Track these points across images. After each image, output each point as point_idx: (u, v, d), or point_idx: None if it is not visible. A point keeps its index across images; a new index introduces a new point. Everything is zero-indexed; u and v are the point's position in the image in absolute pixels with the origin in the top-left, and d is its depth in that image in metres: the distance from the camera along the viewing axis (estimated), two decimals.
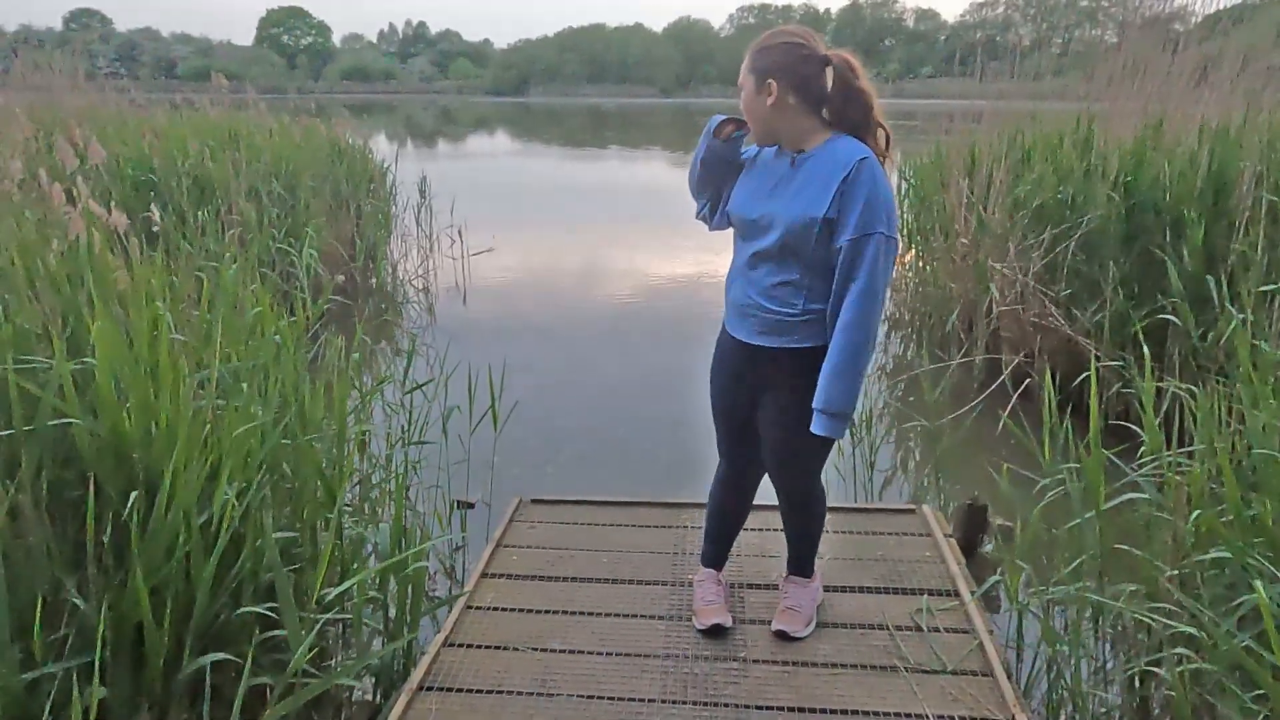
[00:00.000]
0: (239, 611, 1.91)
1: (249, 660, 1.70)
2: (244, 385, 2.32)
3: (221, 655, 1.80)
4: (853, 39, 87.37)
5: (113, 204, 3.20)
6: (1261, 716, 1.60)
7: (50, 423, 1.90)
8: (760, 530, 2.79)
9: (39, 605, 1.65)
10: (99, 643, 1.60)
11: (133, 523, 1.76)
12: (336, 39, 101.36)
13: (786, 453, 2.10)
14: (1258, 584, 1.49)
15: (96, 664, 1.58)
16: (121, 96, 7.58)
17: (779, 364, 1.99)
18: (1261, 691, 1.58)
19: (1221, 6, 5.23)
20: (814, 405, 1.90)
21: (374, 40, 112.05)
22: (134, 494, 1.82)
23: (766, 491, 2.35)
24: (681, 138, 28.06)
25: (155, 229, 3.95)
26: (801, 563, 2.34)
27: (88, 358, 2.09)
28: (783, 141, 1.97)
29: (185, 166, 5.68)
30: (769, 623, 2.28)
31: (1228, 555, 1.87)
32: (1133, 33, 5.49)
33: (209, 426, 2.09)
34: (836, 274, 1.87)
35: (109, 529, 1.83)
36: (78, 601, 1.73)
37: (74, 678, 1.57)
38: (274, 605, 1.89)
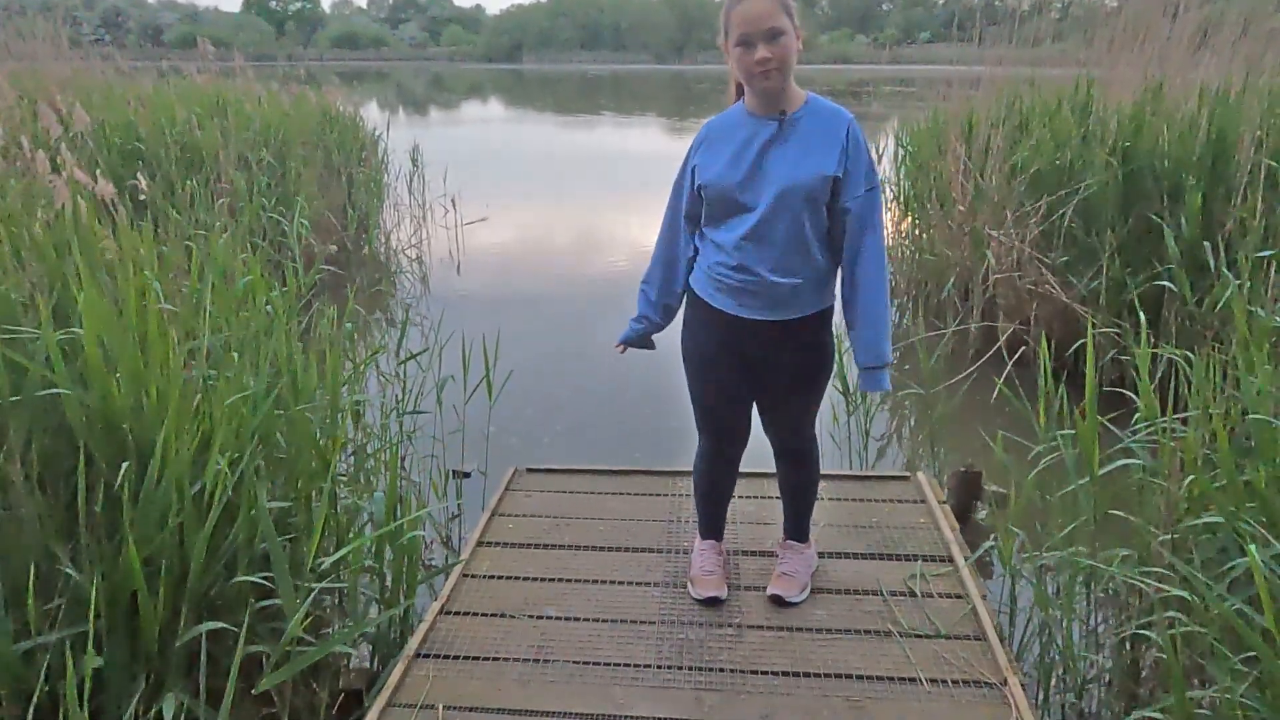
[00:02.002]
0: (233, 580, 1.91)
1: (244, 629, 1.70)
2: (235, 355, 2.31)
3: (217, 624, 1.80)
4: (849, 4, 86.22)
5: (99, 172, 3.16)
6: (1251, 678, 1.62)
7: (39, 393, 1.88)
8: (756, 498, 2.79)
9: (32, 575, 1.64)
10: (93, 612, 1.60)
11: (124, 493, 1.75)
12: (326, 5, 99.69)
13: (800, 416, 2.16)
14: (1251, 548, 1.50)
15: (91, 633, 1.58)
16: (106, 64, 7.45)
17: (788, 333, 1.98)
18: (1252, 653, 1.60)
19: None
20: (867, 363, 1.98)
21: (364, 6, 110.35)
22: (125, 464, 1.80)
23: (761, 458, 2.36)
24: (676, 104, 27.79)
25: (143, 198, 3.90)
26: (800, 527, 2.35)
27: (75, 327, 2.07)
28: (773, 99, 1.85)
29: (173, 135, 5.60)
30: (764, 589, 2.29)
31: (1220, 520, 1.87)
32: None
33: (200, 396, 2.08)
34: (849, 229, 1.91)
35: (101, 499, 1.82)
36: (71, 571, 1.73)
37: (68, 647, 1.57)
38: (269, 574, 1.89)
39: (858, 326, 1.98)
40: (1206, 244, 3.60)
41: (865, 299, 1.95)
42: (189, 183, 4.99)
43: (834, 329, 2.10)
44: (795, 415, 2.16)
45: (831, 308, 2.04)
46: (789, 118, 1.86)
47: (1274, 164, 3.77)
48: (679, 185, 2.03)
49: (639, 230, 9.07)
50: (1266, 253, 3.34)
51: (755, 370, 2.06)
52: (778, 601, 2.23)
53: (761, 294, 1.93)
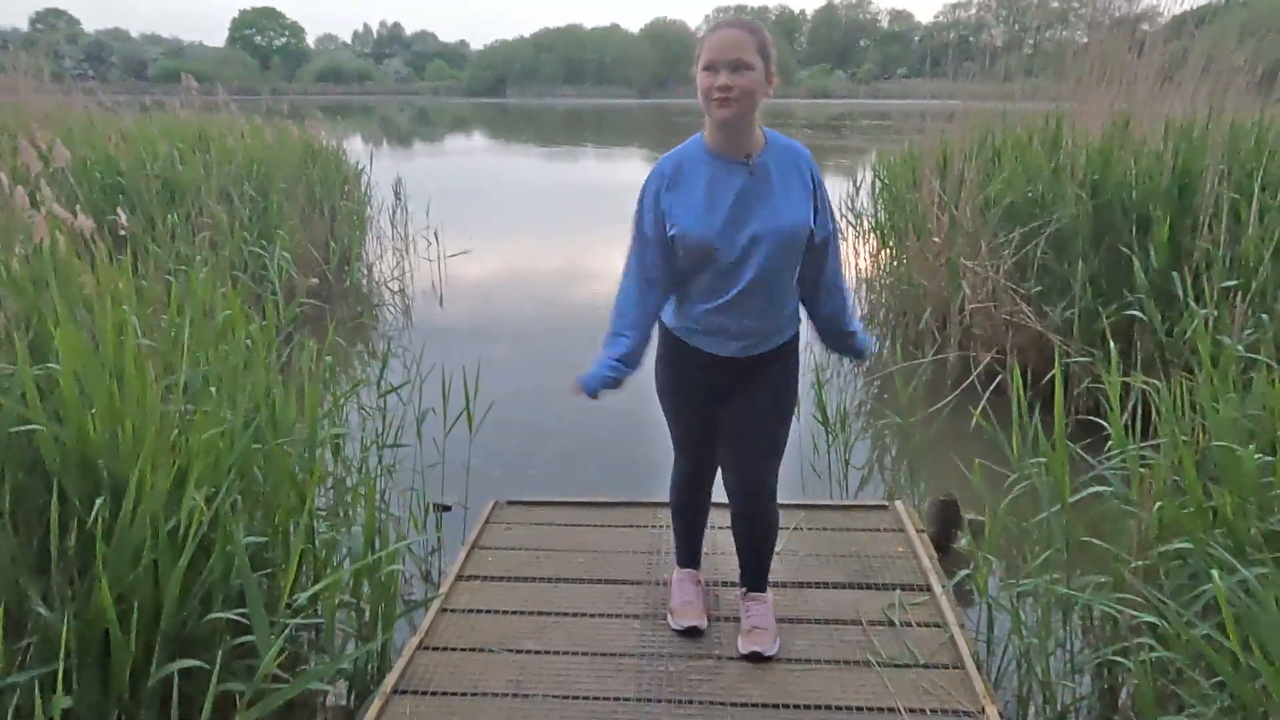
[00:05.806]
0: (208, 617, 1.89)
1: (218, 666, 1.68)
2: (213, 389, 2.30)
3: (191, 662, 1.78)
4: (828, 39, 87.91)
5: (78, 207, 3.16)
6: (1222, 703, 1.64)
7: (13, 429, 1.87)
8: None
9: (1, 613, 1.62)
10: (63, 651, 1.58)
11: (98, 529, 1.74)
12: (310, 40, 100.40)
13: (768, 446, 2.11)
14: (1214, 573, 1.52)
15: (60, 672, 1.56)
16: (89, 98, 7.47)
17: (763, 363, 2.02)
18: (1220, 679, 1.62)
19: (1188, 7, 5.32)
20: (864, 336, 2.13)
21: (348, 41, 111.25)
22: (99, 500, 1.79)
23: None
24: (658, 137, 28.08)
25: (123, 232, 3.90)
26: (761, 575, 2.29)
27: (52, 363, 2.06)
28: (730, 134, 1.84)
29: (154, 169, 5.61)
30: None
31: (1189, 546, 1.90)
32: (1101, 33, 5.57)
33: (177, 431, 2.07)
34: (824, 253, 2.00)
35: (74, 536, 1.80)
36: (42, 610, 1.71)
37: (38, 687, 1.55)
38: (244, 610, 1.87)
39: (848, 324, 2.10)
40: (1175, 274, 3.68)
41: (843, 302, 2.09)
42: (170, 217, 4.99)
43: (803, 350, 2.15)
44: (768, 447, 2.11)
45: (798, 333, 2.09)
46: (756, 163, 1.87)
47: (1237, 197, 3.86)
48: (642, 234, 1.95)
49: (621, 262, 9.11)
50: (1232, 283, 3.42)
51: (729, 398, 2.07)
52: (757, 657, 2.15)
53: (742, 335, 1.98)
